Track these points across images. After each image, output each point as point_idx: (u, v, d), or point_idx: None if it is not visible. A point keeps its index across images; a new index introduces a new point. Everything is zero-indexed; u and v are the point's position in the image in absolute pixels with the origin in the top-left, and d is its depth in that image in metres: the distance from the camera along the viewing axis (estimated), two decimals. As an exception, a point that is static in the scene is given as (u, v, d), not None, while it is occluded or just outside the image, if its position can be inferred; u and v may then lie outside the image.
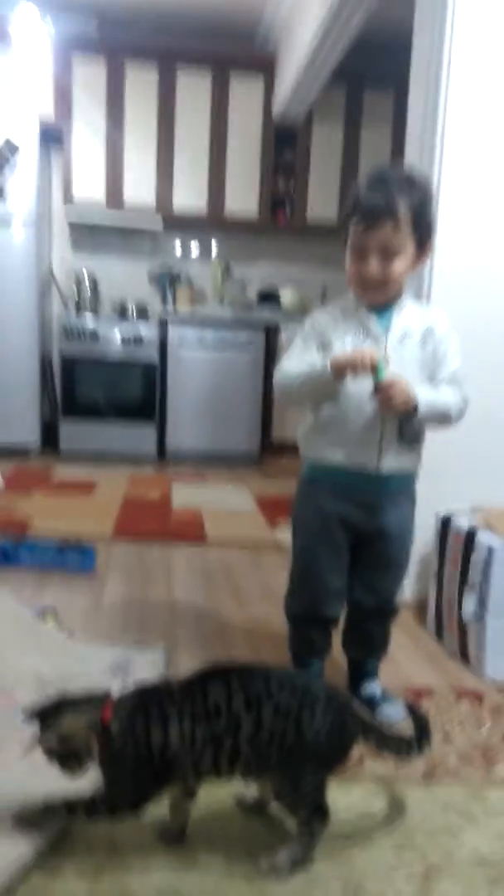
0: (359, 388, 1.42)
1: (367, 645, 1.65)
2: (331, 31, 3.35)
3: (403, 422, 1.44)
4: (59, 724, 1.04)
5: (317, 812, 1.09)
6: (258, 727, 1.05)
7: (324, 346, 1.48)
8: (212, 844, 1.12)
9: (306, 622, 1.60)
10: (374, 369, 1.35)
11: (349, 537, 1.54)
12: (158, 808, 1.18)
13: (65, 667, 1.58)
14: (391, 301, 1.46)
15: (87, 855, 1.09)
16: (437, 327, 1.47)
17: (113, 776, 1.06)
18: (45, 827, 1.08)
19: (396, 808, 1.27)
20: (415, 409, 1.39)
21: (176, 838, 1.13)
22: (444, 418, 1.45)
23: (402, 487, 1.53)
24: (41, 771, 1.22)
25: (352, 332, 1.46)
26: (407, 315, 1.47)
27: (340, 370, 1.38)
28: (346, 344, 1.46)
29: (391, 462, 1.47)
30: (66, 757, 1.05)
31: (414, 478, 1.57)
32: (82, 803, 1.07)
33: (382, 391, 1.36)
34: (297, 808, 1.08)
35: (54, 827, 1.10)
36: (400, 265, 1.40)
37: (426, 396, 1.40)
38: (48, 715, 1.06)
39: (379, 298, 1.45)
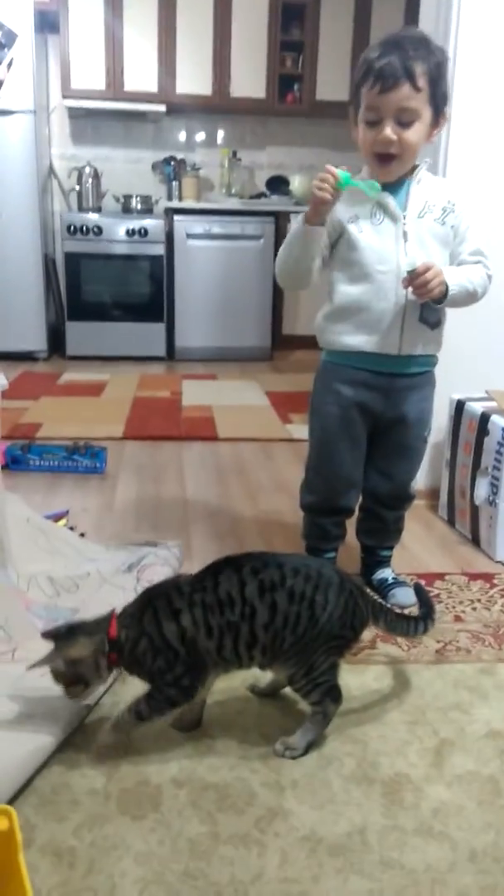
0: (379, 267, 1.38)
1: (381, 532, 1.64)
2: None
3: (426, 305, 1.39)
4: (67, 648, 1.06)
5: (329, 693, 1.11)
6: (273, 613, 1.05)
7: (335, 232, 1.41)
8: (226, 731, 1.15)
9: (321, 513, 1.59)
10: (343, 183, 1.27)
11: (368, 426, 1.51)
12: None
13: (77, 567, 1.59)
14: (406, 176, 1.38)
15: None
16: (458, 203, 1.41)
17: (148, 674, 1.08)
18: (123, 736, 1.11)
19: (408, 687, 1.29)
20: (445, 293, 1.34)
21: (192, 726, 1.16)
22: (471, 298, 1.40)
23: (423, 372, 1.49)
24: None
25: (364, 213, 1.38)
26: (424, 189, 1.40)
27: (313, 213, 1.32)
28: (360, 229, 1.39)
29: (413, 346, 1.43)
30: (73, 680, 1.07)
31: (434, 362, 1.52)
32: (144, 704, 1.08)
33: (416, 278, 1.30)
34: (310, 691, 1.10)
35: (72, 723, 1.13)
36: (417, 132, 1.31)
37: (455, 279, 1.35)
38: (60, 639, 1.07)
39: (395, 173, 1.36)
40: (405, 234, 1.37)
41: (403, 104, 1.28)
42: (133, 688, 1.15)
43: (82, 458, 2.37)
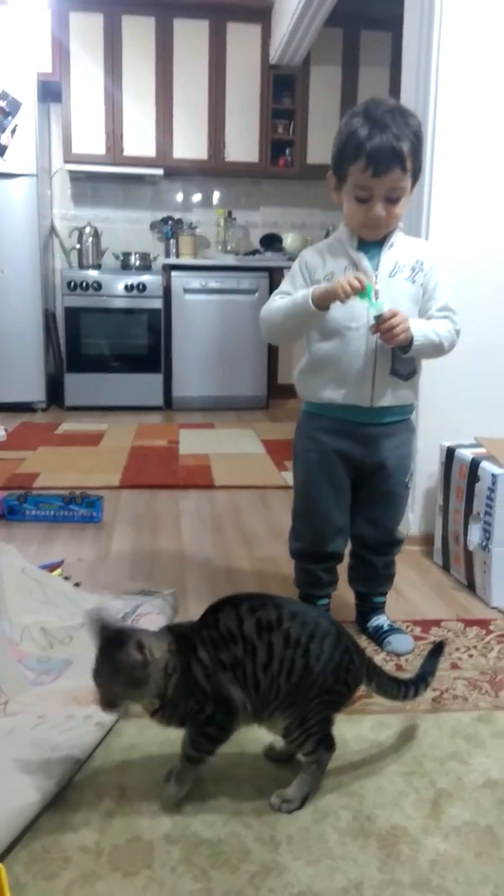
0: (349, 324, 1.42)
1: (372, 578, 1.64)
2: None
3: (396, 356, 1.43)
4: (151, 641, 1.02)
5: (322, 741, 1.10)
6: (271, 655, 1.05)
7: (312, 283, 1.46)
8: (220, 784, 1.13)
9: (310, 559, 1.60)
10: (363, 294, 1.33)
11: (349, 473, 1.54)
12: (165, 750, 1.19)
13: (71, 617, 1.59)
14: (380, 237, 1.44)
15: (96, 802, 1.10)
16: (427, 260, 1.45)
17: (180, 717, 1.06)
18: (187, 784, 1.09)
19: (405, 737, 1.28)
20: (410, 342, 1.38)
21: None
22: (437, 350, 1.45)
23: (398, 420, 1.52)
24: (47, 721, 1.24)
25: (341, 270, 1.44)
26: (397, 249, 1.45)
27: (323, 299, 1.36)
28: (330, 281, 1.43)
29: (385, 397, 1.46)
30: (124, 688, 1.01)
31: (411, 410, 1.55)
32: (190, 748, 1.07)
33: (385, 322, 1.34)
34: (303, 742, 1.09)
35: (65, 777, 1.11)
36: (402, 205, 1.40)
37: (421, 329, 1.39)
38: (116, 639, 1.03)
39: (375, 236, 1.44)
40: (376, 292, 1.41)
41: (394, 186, 1.35)
42: (122, 744, 1.13)
43: (78, 508, 2.38)
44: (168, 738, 1.19)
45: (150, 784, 1.13)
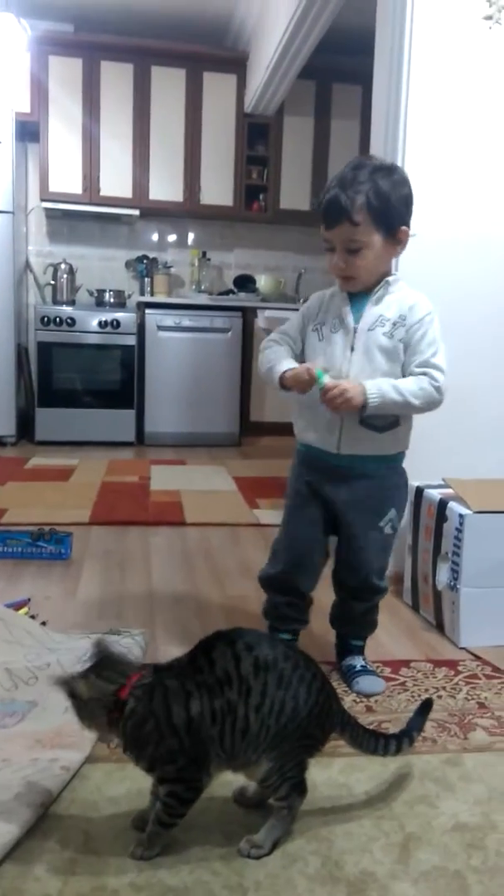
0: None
1: (350, 622, 1.65)
2: (300, 29, 3.45)
3: (362, 414, 1.45)
4: (77, 682, 1.03)
5: (296, 787, 1.08)
6: (263, 696, 1.03)
7: (303, 335, 1.55)
8: (187, 830, 1.11)
9: (273, 588, 1.63)
10: (316, 380, 1.40)
11: (323, 506, 1.56)
12: (132, 795, 1.17)
13: (37, 657, 1.56)
14: (370, 289, 1.48)
15: (60, 848, 1.07)
16: (411, 315, 1.46)
17: (148, 759, 1.04)
18: (157, 845, 1.06)
19: (375, 780, 1.27)
20: (364, 407, 1.40)
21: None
22: (405, 408, 1.45)
23: (370, 470, 1.52)
24: (11, 764, 1.21)
25: (329, 321, 1.50)
26: (385, 303, 1.48)
27: (285, 384, 1.47)
28: (320, 334, 1.51)
29: (354, 447, 1.49)
30: (80, 710, 1.04)
31: (394, 459, 1.56)
32: (162, 812, 1.04)
33: (322, 397, 1.40)
34: (279, 786, 1.07)
35: (28, 822, 1.08)
36: (365, 257, 1.43)
37: (381, 389, 1.40)
38: (94, 664, 1.05)
39: (353, 288, 1.49)
40: (353, 345, 1.46)
41: (346, 238, 1.40)
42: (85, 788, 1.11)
43: (47, 544, 2.35)
44: (135, 783, 1.17)
45: (116, 830, 1.11)
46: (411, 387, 1.43)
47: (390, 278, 1.49)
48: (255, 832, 1.09)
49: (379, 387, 1.41)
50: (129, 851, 1.06)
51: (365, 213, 1.38)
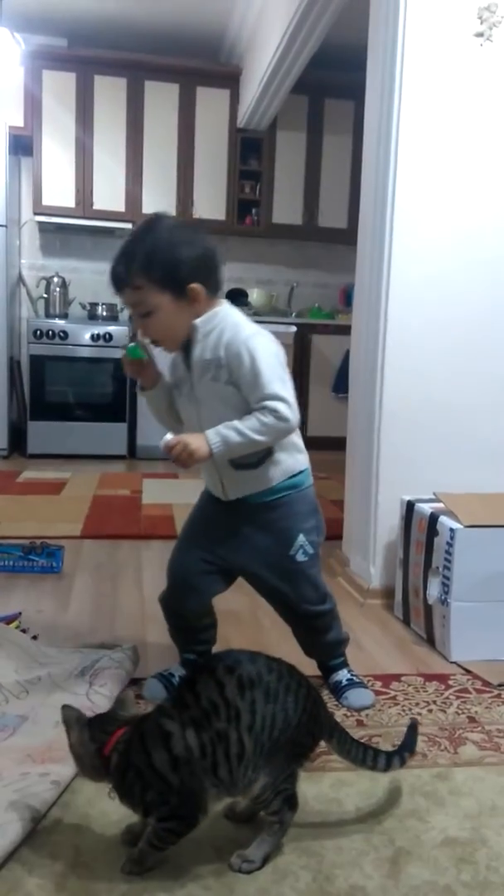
0: (189, 430, 1.46)
1: (315, 648, 1.63)
2: (293, 45, 3.48)
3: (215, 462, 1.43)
4: (72, 734, 1.06)
5: (287, 801, 1.08)
6: (254, 714, 1.03)
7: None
8: (179, 846, 1.10)
9: (166, 614, 1.62)
10: (127, 353, 1.45)
11: (221, 540, 1.53)
12: (123, 809, 1.17)
13: (28, 671, 1.56)
14: (189, 341, 1.43)
15: (50, 863, 1.07)
16: (227, 353, 1.39)
17: (141, 806, 1.04)
18: (147, 865, 1.06)
19: (365, 795, 1.27)
20: (211, 454, 1.36)
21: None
22: (254, 446, 1.38)
23: (269, 501, 1.48)
24: (1, 779, 1.20)
25: (179, 377, 1.50)
26: (204, 346, 1.42)
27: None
28: (179, 392, 1.50)
29: (240, 490, 1.48)
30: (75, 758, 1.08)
31: (289, 486, 1.49)
32: (154, 837, 1.04)
33: (168, 451, 1.37)
34: (271, 801, 1.07)
35: (19, 837, 1.08)
36: (158, 319, 1.40)
37: (221, 436, 1.35)
38: (90, 720, 1.08)
39: (168, 350, 1.48)
40: (196, 398, 1.45)
41: (133, 304, 1.39)
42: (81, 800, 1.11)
43: (38, 558, 2.35)
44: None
45: (106, 844, 1.11)
46: (253, 424, 1.36)
47: (198, 320, 1.41)
48: (246, 847, 1.09)
49: (218, 432, 1.35)
50: (120, 866, 1.06)
51: (143, 277, 1.35)
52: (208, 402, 1.43)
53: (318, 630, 1.59)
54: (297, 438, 1.50)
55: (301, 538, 1.50)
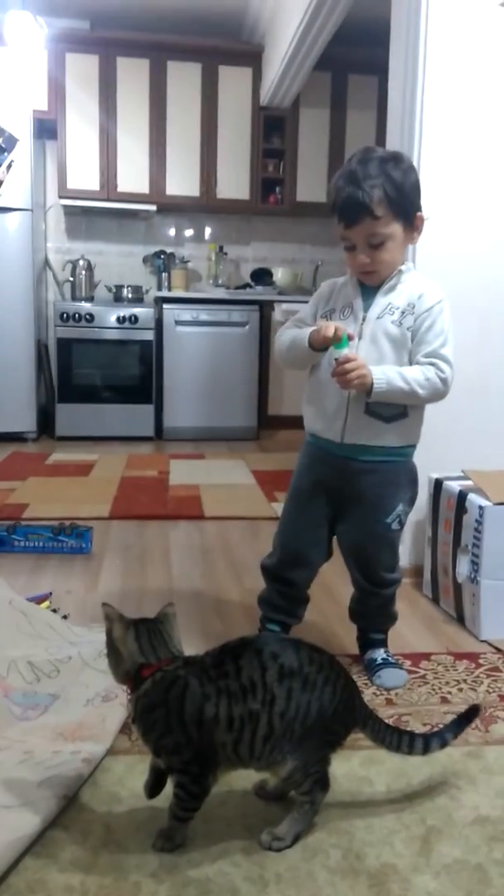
0: (332, 361, 1.45)
1: (366, 616, 1.65)
2: (315, 21, 3.41)
3: (368, 399, 1.44)
4: (116, 625, 1.08)
5: (319, 781, 1.08)
6: (289, 701, 1.03)
7: (316, 315, 1.55)
8: (208, 822, 1.12)
9: (269, 575, 1.66)
10: (338, 341, 1.38)
11: (327, 504, 1.56)
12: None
13: (59, 650, 1.57)
14: (384, 278, 1.48)
15: (82, 840, 1.09)
16: (420, 305, 1.45)
17: (153, 744, 1.05)
18: (175, 840, 1.07)
19: (395, 773, 1.27)
20: (369, 391, 1.39)
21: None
22: (410, 397, 1.43)
23: (377, 461, 1.50)
24: (33, 757, 1.22)
25: (339, 308, 1.50)
26: (397, 292, 1.47)
27: (316, 342, 1.44)
28: (328, 320, 1.50)
29: (357, 436, 1.48)
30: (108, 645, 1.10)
31: (402, 453, 1.53)
32: (175, 806, 1.06)
33: (337, 366, 1.38)
34: (302, 782, 1.07)
35: (51, 814, 1.10)
36: (389, 250, 1.43)
37: (387, 375, 1.39)
38: (142, 620, 1.11)
39: (375, 281, 1.48)
40: (361, 332, 1.45)
41: (369, 234, 1.40)
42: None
43: (68, 539, 2.38)
44: (156, 775, 1.18)
45: (137, 822, 1.12)
46: (417, 376, 1.41)
47: (403, 267, 1.48)
48: (276, 824, 1.09)
49: (385, 373, 1.39)
50: (151, 843, 1.07)
51: (385, 206, 1.37)
52: (377, 340, 1.44)
53: (381, 600, 1.61)
54: (422, 413, 1.53)
55: (399, 507, 1.54)
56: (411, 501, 1.57)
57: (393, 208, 1.38)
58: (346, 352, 1.38)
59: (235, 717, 1.03)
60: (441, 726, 1.19)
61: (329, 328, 1.39)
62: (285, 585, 1.64)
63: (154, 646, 1.08)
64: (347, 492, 1.52)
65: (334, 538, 1.61)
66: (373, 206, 1.36)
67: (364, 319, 1.46)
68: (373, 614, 1.64)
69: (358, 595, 1.64)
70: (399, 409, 1.46)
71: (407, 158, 1.45)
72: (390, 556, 1.58)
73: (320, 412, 1.52)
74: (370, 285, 1.48)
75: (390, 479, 1.52)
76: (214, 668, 1.06)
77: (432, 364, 1.43)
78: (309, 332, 1.46)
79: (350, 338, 1.42)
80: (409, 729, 1.28)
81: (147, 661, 1.06)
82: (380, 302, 1.47)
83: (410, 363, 1.45)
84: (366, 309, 1.47)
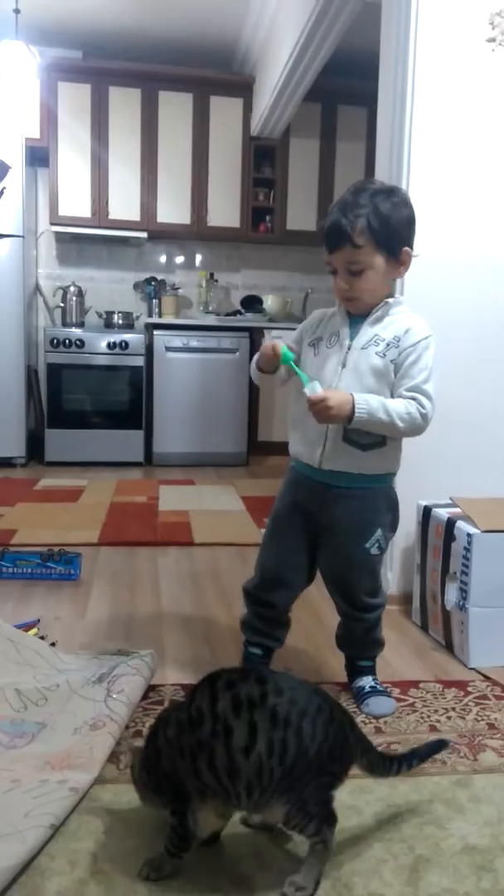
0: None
1: (352, 643, 1.65)
2: (305, 53, 3.49)
3: (347, 425, 1.45)
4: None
5: (326, 819, 1.04)
6: (253, 735, 0.98)
7: (299, 350, 1.57)
8: (196, 852, 1.09)
9: (250, 597, 1.67)
10: (280, 357, 1.45)
11: (307, 529, 1.57)
12: (141, 816, 1.17)
13: (47, 678, 1.57)
14: (370, 310, 1.50)
15: (69, 870, 1.07)
16: (406, 339, 1.46)
17: (155, 794, 1.07)
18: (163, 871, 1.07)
19: (384, 802, 1.27)
20: (349, 419, 1.41)
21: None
22: (389, 428, 1.44)
23: (355, 488, 1.51)
24: (20, 785, 1.21)
25: (326, 337, 1.53)
26: (383, 323, 1.49)
27: (261, 363, 1.53)
28: (316, 350, 1.53)
29: (335, 462, 1.50)
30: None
31: (381, 480, 1.54)
32: (167, 839, 1.06)
33: (311, 404, 1.40)
34: (306, 825, 1.03)
35: (38, 843, 1.09)
36: (368, 279, 1.45)
37: (369, 405, 1.40)
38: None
39: (356, 309, 1.51)
40: (345, 362, 1.48)
41: (348, 261, 1.43)
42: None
43: (56, 565, 2.37)
44: (143, 805, 1.17)
45: (125, 851, 1.11)
46: (399, 408, 1.42)
47: (391, 300, 1.50)
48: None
49: (368, 402, 1.41)
50: (138, 871, 1.06)
51: (366, 236, 1.40)
52: (360, 370, 1.46)
53: (365, 624, 1.61)
54: (400, 444, 1.55)
55: (378, 532, 1.54)
56: (392, 527, 1.58)
57: (376, 239, 1.41)
58: (319, 393, 1.39)
59: (184, 745, 1.02)
60: (409, 752, 1.19)
61: (267, 347, 1.46)
62: (265, 607, 1.65)
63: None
64: (325, 516, 1.54)
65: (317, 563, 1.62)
66: (354, 235, 1.39)
67: (349, 348, 1.48)
68: (358, 641, 1.64)
69: (342, 621, 1.64)
70: (376, 438, 1.48)
71: (403, 194, 1.48)
72: (371, 581, 1.57)
73: (302, 437, 1.55)
74: (354, 313, 1.51)
75: (368, 505, 1.53)
76: (177, 705, 1.09)
77: (414, 398, 1.43)
78: (255, 359, 1.54)
79: (291, 349, 1.47)
80: (400, 769, 1.26)
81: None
82: (366, 332, 1.49)
83: (392, 396, 1.46)
84: (352, 338, 1.49)
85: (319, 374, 1.48)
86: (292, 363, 1.46)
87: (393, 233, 1.43)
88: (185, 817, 1.04)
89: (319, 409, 1.39)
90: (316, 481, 1.53)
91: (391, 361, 1.46)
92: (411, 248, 1.47)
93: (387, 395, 1.46)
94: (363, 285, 1.45)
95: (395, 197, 1.45)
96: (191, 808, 1.03)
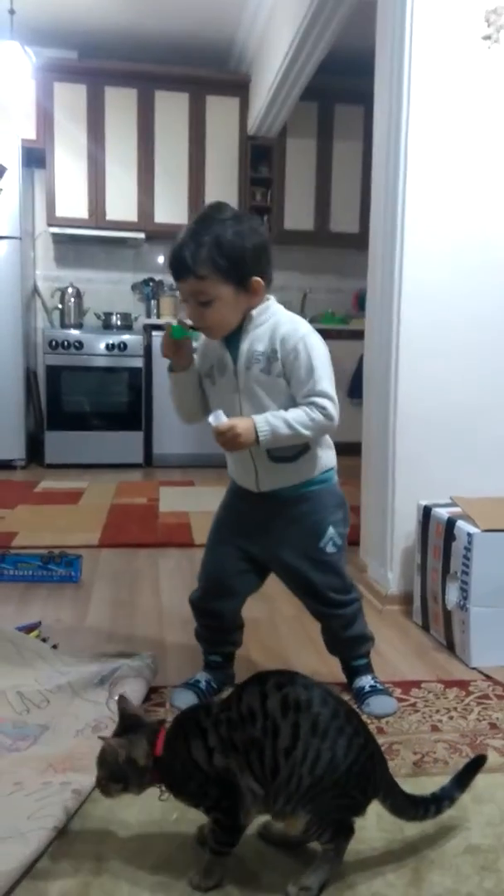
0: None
1: (337, 644, 1.64)
2: (301, 52, 3.50)
3: (259, 448, 1.44)
4: (129, 744, 1.04)
5: (339, 831, 1.05)
6: (295, 738, 0.99)
7: (202, 379, 1.55)
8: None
9: (198, 611, 1.65)
10: (170, 333, 1.44)
11: (251, 536, 1.56)
12: (143, 818, 1.17)
13: (48, 680, 1.57)
14: (242, 327, 1.45)
15: (72, 872, 1.07)
16: (283, 347, 1.41)
17: (189, 798, 1.05)
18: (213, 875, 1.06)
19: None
20: (258, 441, 1.38)
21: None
22: (298, 439, 1.41)
23: (298, 494, 1.51)
24: (23, 788, 1.21)
25: (216, 365, 1.50)
26: (256, 335, 1.44)
27: (164, 354, 1.50)
28: (212, 380, 1.51)
29: (273, 483, 1.50)
30: (115, 775, 1.04)
31: (320, 480, 1.52)
32: (211, 839, 1.05)
33: (218, 434, 1.38)
34: (322, 832, 1.04)
35: (41, 846, 1.09)
36: (218, 311, 1.40)
37: (270, 425, 1.38)
38: (129, 726, 1.07)
39: (214, 338, 1.47)
40: (238, 386, 1.45)
41: (193, 292, 1.38)
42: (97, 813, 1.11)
43: (57, 567, 2.37)
44: (147, 806, 1.18)
45: (128, 853, 1.11)
46: (301, 418, 1.39)
47: (254, 311, 1.43)
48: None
49: (268, 422, 1.38)
50: (188, 878, 1.06)
51: (209, 267, 1.35)
52: (253, 393, 1.44)
53: (342, 621, 1.58)
54: (329, 436, 1.52)
55: (331, 530, 1.53)
56: (344, 523, 1.55)
57: (220, 270, 1.35)
58: (224, 422, 1.36)
59: (238, 741, 1.01)
60: (447, 786, 1.16)
61: (163, 339, 1.45)
62: (212, 618, 1.63)
63: (147, 736, 1.06)
64: (276, 523, 1.52)
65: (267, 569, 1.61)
66: (195, 266, 1.35)
67: (235, 373, 1.45)
68: (343, 639, 1.61)
69: (322, 624, 1.62)
70: (299, 447, 1.46)
71: (253, 221, 1.43)
72: (338, 579, 1.55)
73: (234, 464, 1.55)
74: (212, 338, 1.47)
75: (315, 507, 1.51)
76: (218, 705, 1.07)
77: (312, 403, 1.40)
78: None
79: (182, 324, 1.44)
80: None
81: (151, 746, 1.05)
82: (243, 350, 1.44)
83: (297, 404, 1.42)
84: (234, 361, 1.45)
85: (222, 405, 1.44)
86: (184, 330, 1.42)
87: (239, 262, 1.36)
88: (236, 808, 1.02)
89: (229, 439, 1.36)
90: (258, 496, 1.53)
91: (277, 376, 1.42)
92: (263, 276, 1.41)
93: (288, 406, 1.42)
94: (213, 316, 1.40)
95: (241, 225, 1.38)
96: (241, 803, 1.03)
